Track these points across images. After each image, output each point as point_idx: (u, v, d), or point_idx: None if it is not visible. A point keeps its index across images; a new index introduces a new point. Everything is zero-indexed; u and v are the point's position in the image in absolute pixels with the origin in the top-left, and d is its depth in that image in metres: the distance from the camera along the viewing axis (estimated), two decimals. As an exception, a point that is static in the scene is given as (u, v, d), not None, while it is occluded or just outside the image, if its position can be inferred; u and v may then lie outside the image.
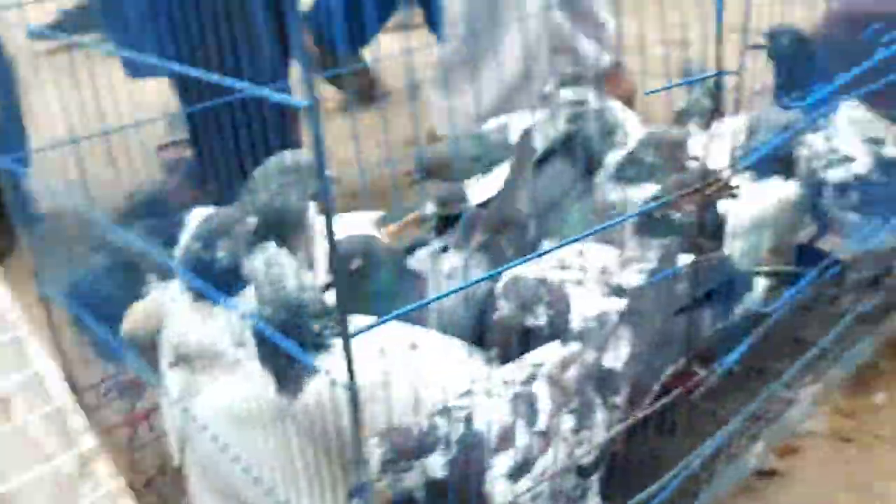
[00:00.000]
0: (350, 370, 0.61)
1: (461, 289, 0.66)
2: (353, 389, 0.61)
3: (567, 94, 1.46)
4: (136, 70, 1.43)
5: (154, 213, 1.14)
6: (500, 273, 0.85)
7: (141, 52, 0.89)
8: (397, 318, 0.66)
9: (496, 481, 0.77)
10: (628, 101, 1.66)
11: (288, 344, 0.77)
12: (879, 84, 1.12)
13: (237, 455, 0.85)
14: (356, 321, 0.81)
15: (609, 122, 1.31)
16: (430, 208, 1.28)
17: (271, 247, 0.85)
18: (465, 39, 1.88)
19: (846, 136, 1.21)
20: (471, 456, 0.77)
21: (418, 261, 1.13)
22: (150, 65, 0.81)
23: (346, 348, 0.61)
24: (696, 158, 1.17)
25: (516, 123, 1.45)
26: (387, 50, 2.36)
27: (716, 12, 0.71)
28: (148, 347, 1.14)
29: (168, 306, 0.96)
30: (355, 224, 1.26)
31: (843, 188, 1.19)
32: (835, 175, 1.19)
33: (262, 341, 0.88)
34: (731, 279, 0.89)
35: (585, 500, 0.86)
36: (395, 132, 1.87)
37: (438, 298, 0.65)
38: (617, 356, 0.83)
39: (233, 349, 0.88)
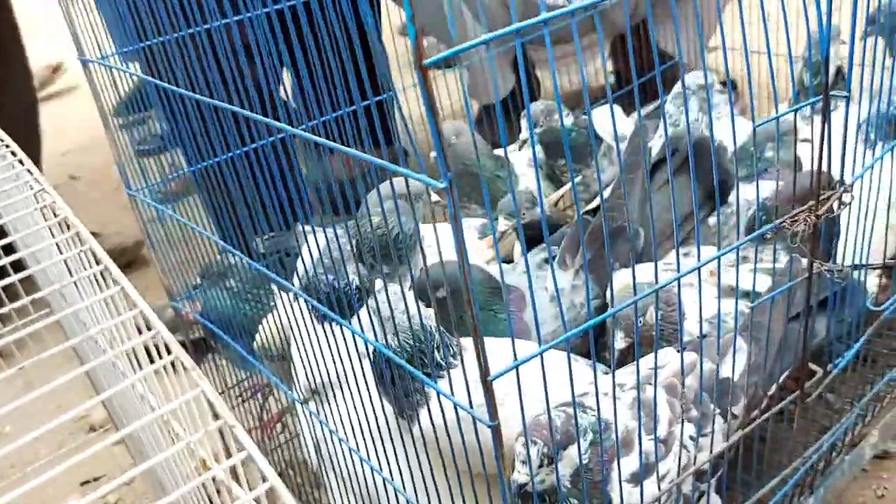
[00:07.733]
0: (491, 409, 0.66)
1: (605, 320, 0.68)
2: (495, 428, 0.67)
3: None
4: None
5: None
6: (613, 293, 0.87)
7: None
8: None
9: (619, 484, 0.80)
10: None
11: (413, 371, 0.82)
12: None
13: (375, 465, 0.91)
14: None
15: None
16: (502, 224, 1.26)
17: (393, 284, 0.91)
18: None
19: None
20: (599, 452, 0.79)
21: (518, 274, 1.13)
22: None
23: (488, 390, 0.66)
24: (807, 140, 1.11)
25: (599, 118, 1.40)
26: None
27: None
28: (279, 357, 1.23)
29: (294, 323, 1.03)
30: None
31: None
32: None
33: (381, 368, 0.93)
34: (845, 287, 0.90)
35: (704, 500, 0.90)
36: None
37: (571, 336, 0.68)
38: (735, 367, 0.85)
39: (355, 369, 0.93)
